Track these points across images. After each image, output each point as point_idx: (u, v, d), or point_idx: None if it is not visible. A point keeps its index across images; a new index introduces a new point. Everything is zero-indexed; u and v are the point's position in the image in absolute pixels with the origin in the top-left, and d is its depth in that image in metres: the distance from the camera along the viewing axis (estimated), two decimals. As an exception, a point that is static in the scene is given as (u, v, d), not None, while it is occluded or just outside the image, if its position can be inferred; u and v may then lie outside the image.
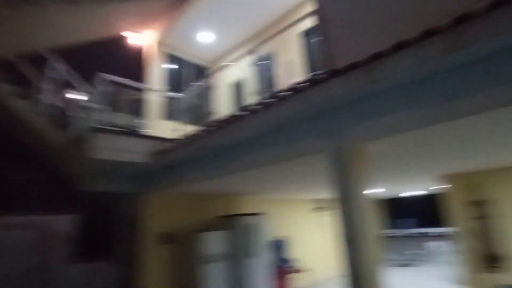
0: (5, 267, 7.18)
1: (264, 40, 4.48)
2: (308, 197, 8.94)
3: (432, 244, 8.34)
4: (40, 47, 5.44)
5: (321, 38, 3.29)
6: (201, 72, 8.69)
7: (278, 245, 7.96)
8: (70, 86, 6.37)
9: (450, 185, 5.73)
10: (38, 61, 5.61)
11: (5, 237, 7.46)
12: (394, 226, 12.79)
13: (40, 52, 5.51)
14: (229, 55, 8.27)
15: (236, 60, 4.93)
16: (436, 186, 6.24)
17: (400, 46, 2.25)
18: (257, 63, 7.16)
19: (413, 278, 8.78)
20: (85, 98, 5.49)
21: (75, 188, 5.74)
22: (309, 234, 9.17)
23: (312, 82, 2.75)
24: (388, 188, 8.25)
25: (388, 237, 12.46)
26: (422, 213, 12.17)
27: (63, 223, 8.39)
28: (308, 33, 5.92)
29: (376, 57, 2.36)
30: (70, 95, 6.91)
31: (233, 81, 7.81)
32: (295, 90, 2.88)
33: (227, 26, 7.31)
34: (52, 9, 4.65)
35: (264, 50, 6.15)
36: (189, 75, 8.38)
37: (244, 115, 3.42)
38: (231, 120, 3.58)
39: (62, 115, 5.79)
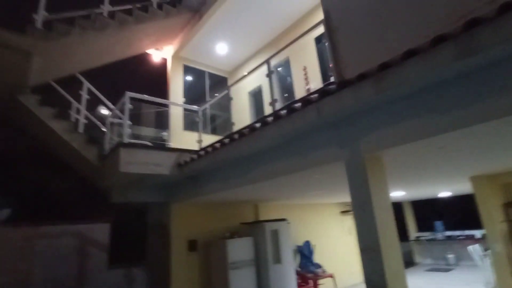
0: (50, 273, 7.75)
1: (278, 51, 4.55)
2: (333, 201, 8.85)
3: (469, 247, 7.97)
4: (73, 71, 5.90)
5: (330, 47, 3.32)
6: (220, 82, 8.93)
7: (304, 250, 7.95)
8: (101, 104, 6.82)
9: (482, 187, 5.50)
10: (72, 83, 6.08)
11: (49, 245, 8.06)
12: (429, 228, 12.32)
13: (74, 75, 5.99)
14: (246, 64, 8.45)
15: (253, 70, 5.04)
16: (468, 187, 6.01)
17: (408, 55, 2.25)
18: (275, 70, 7.29)
19: (449, 283, 8.43)
20: (114, 115, 5.83)
21: (108, 199, 6.10)
22: (334, 238, 9.07)
23: (323, 94, 2.80)
24: (419, 191, 8.02)
25: (422, 240, 12.04)
26: (458, 215, 11.64)
27: (98, 231, 8.91)
28: (320, 39, 5.96)
29: (384, 66, 2.37)
30: (101, 113, 7.37)
31: (252, 90, 7.96)
32: (307, 101, 2.94)
33: (242, 37, 7.50)
34: (81, 38, 5.03)
35: (280, 57, 6.23)
36: (209, 85, 8.65)
37: (260, 127, 3.51)
38: (247, 133, 3.69)
39: (95, 133, 6.21)
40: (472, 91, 2.16)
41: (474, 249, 7.69)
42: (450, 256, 10.82)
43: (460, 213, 11.54)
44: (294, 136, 3.39)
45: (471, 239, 10.30)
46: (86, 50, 5.57)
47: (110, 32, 5.53)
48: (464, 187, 6.98)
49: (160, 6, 6.66)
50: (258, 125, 3.57)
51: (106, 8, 5.55)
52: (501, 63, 2.04)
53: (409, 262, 12.02)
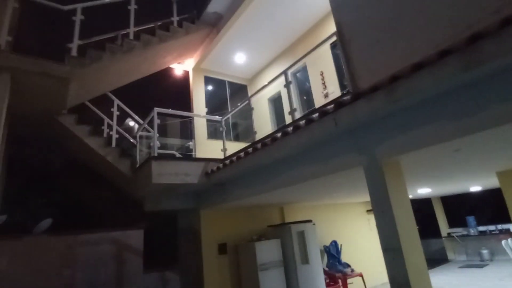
0: (91, 277, 8.31)
1: (295, 62, 4.75)
2: (358, 200, 8.89)
3: (503, 242, 7.78)
4: (104, 91, 6.38)
5: (344, 59, 3.48)
6: (240, 89, 9.22)
7: (332, 250, 8.05)
8: (131, 120, 7.29)
9: (509, 181, 5.44)
10: (103, 101, 6.58)
11: (89, 251, 8.63)
12: (461, 224, 12.03)
13: (105, 94, 6.48)
14: (265, 71, 8.69)
15: (271, 81, 5.26)
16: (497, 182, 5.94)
17: (417, 67, 2.39)
18: (293, 75, 7.47)
19: (482, 279, 8.26)
20: (143, 129, 6.23)
21: (142, 207, 6.51)
22: (361, 237, 9.09)
23: (338, 105, 2.98)
24: (447, 187, 7.93)
25: (455, 236, 11.77)
26: (491, 209, 11.30)
27: (133, 237, 9.42)
28: (336, 45, 6.08)
29: (395, 78, 2.53)
30: (129, 125, 7.84)
31: (271, 96, 8.17)
32: (324, 113, 3.12)
33: (259, 45, 7.76)
34: (111, 61, 5.45)
35: (297, 63, 6.41)
36: (229, 93, 8.96)
37: (280, 137, 3.72)
38: (269, 142, 3.91)
39: (125, 143, 6.67)
40: (481, 98, 2.28)
41: (508, 243, 7.51)
42: (484, 252, 10.54)
43: (493, 207, 11.21)
44: (314, 144, 3.57)
45: (506, 233, 10.01)
46: (116, 71, 6.01)
47: (136, 53, 5.94)
48: (494, 181, 6.86)
49: (180, 24, 7.04)
50: (279, 135, 3.78)
51: (131, 30, 5.96)
52: (506, 72, 2.15)
53: (441, 259, 11.79)
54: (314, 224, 7.27)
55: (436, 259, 11.79)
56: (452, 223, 12.66)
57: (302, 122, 3.42)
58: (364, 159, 3.10)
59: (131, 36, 5.94)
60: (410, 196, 9.79)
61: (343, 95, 3.40)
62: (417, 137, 2.68)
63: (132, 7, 6.03)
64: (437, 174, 4.82)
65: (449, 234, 12.30)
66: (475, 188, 9.62)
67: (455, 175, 5.20)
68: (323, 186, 4.80)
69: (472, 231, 11.35)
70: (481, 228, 11.29)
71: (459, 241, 11.69)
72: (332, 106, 3.08)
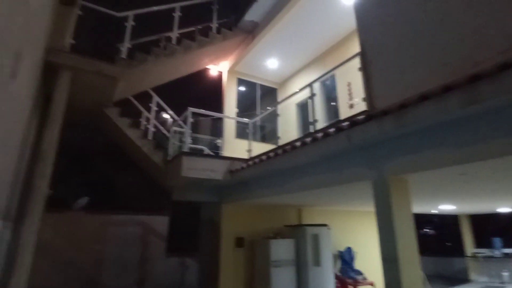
0: (118, 255, 9.11)
1: (323, 75, 5.05)
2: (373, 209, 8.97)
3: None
4: (146, 88, 7.02)
5: (364, 78, 3.76)
6: (270, 92, 9.60)
7: (345, 256, 8.24)
8: (167, 116, 7.92)
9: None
10: (144, 97, 7.23)
11: (118, 231, 9.45)
12: (487, 245, 11.68)
13: (146, 91, 7.12)
14: (295, 76, 9.01)
15: (298, 91, 5.61)
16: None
17: (422, 98, 2.67)
18: (322, 83, 7.73)
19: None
20: (177, 125, 6.80)
21: (170, 196, 7.10)
22: (375, 247, 9.13)
23: (352, 124, 3.29)
24: (472, 205, 7.86)
25: (479, 257, 11.46)
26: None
27: (158, 222, 10.18)
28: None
29: (403, 106, 2.81)
30: (164, 118, 8.48)
31: (299, 102, 8.47)
32: (339, 129, 3.44)
33: (291, 53, 8.10)
34: (155, 63, 6.04)
35: (326, 71, 6.68)
36: (260, 95, 9.37)
37: (300, 146, 4.08)
38: (289, 149, 4.28)
39: (162, 140, 7.28)
40: (480, 131, 2.51)
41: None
42: (505, 274, 10.24)
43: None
44: (329, 155, 3.89)
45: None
46: (158, 71, 6.61)
47: (177, 56, 6.51)
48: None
49: (218, 30, 7.55)
50: (298, 144, 4.14)
51: (174, 35, 6.52)
52: (504, 109, 2.37)
53: (463, 279, 11.52)
54: (329, 228, 7.52)
55: (458, 279, 11.56)
56: (478, 243, 12.29)
57: (320, 134, 3.75)
58: (373, 174, 3.39)
59: (174, 41, 6.50)
60: (434, 211, 9.72)
61: (357, 114, 3.69)
62: (422, 159, 2.93)
63: (177, 14, 6.58)
64: (449, 193, 4.95)
65: (473, 254, 11.98)
66: (504, 209, 9.36)
67: (470, 195, 5.29)
68: (338, 194, 5.09)
69: (497, 253, 11.02)
70: (506, 251, 10.93)
71: (482, 262, 11.39)
72: (347, 123, 3.40)
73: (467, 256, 12.02)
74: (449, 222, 12.80)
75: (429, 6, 3.18)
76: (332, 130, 3.57)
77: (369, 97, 3.66)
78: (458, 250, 12.43)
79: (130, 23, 5.78)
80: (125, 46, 5.67)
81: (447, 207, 8.26)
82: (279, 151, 4.49)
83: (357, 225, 9.03)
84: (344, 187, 4.15)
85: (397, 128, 2.90)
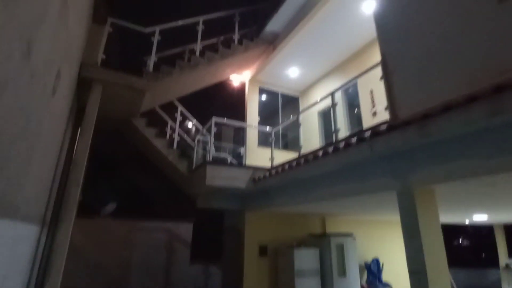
0: (144, 261, 9.35)
1: (344, 84, 5.06)
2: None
3: None
4: (171, 99, 7.28)
5: (386, 88, 3.74)
6: (291, 100, 9.65)
7: (372, 267, 8.06)
8: (191, 125, 8.15)
9: None
10: (169, 107, 7.49)
11: (144, 238, 9.70)
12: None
13: (171, 102, 7.39)
14: (316, 84, 9.02)
15: (318, 101, 5.64)
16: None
17: (446, 108, 2.64)
18: (344, 91, 7.70)
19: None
20: (201, 134, 6.99)
21: (194, 204, 7.26)
22: (403, 259, 8.87)
23: (374, 134, 3.28)
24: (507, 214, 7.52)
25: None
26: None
27: (183, 230, 10.37)
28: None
29: (426, 116, 2.78)
30: (188, 127, 8.71)
31: (321, 110, 8.46)
32: (361, 139, 3.44)
33: (312, 62, 8.13)
34: (180, 75, 6.28)
35: (347, 79, 6.67)
36: (281, 104, 9.44)
37: (322, 155, 4.10)
38: (311, 159, 4.30)
39: (186, 149, 7.50)
40: (504, 143, 2.45)
41: None
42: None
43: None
44: (352, 165, 3.89)
45: None
46: (182, 82, 6.86)
47: (201, 68, 6.74)
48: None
49: (240, 41, 7.73)
50: (320, 153, 4.16)
51: (198, 48, 6.76)
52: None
53: (495, 292, 10.97)
54: (354, 238, 7.40)
55: (491, 291, 10.99)
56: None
57: (342, 144, 3.76)
58: (397, 184, 3.35)
59: (197, 53, 6.73)
60: (466, 222, 9.34)
61: (379, 124, 3.67)
62: (447, 170, 2.88)
63: (200, 27, 6.82)
64: (479, 203, 4.78)
65: (507, 265, 11.37)
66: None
67: (502, 204, 5.08)
68: (363, 203, 5.04)
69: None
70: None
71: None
72: (369, 133, 3.39)
73: (501, 267, 11.43)
74: (483, 233, 12.22)
75: (451, 16, 3.15)
76: (354, 140, 3.57)
77: (391, 107, 3.64)
78: (492, 261, 11.85)
79: (156, 38, 6.06)
80: (152, 59, 5.93)
81: (479, 217, 7.94)
82: (301, 161, 4.53)
83: (384, 235, 8.82)
84: (368, 197, 4.12)
85: (420, 138, 2.88)
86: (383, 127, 3.27)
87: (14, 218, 2.21)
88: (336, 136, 4.72)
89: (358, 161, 3.75)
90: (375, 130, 3.29)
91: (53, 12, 2.03)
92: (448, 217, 7.49)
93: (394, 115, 3.61)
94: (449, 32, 3.15)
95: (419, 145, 3.09)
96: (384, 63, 3.84)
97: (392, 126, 3.11)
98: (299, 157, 5.05)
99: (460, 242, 17.03)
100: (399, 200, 3.35)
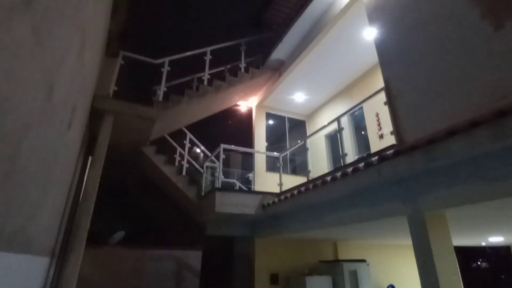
0: (155, 292, 9.14)
1: (349, 109, 5.14)
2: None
3: None
4: (180, 126, 7.44)
5: (390, 112, 3.81)
6: (298, 124, 9.76)
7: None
8: (200, 152, 8.25)
9: None
10: (178, 134, 7.64)
11: (153, 266, 9.57)
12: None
13: (180, 129, 7.55)
14: (322, 108, 9.15)
15: (326, 124, 5.71)
16: None
17: (450, 133, 2.67)
18: (350, 115, 7.78)
19: None
20: (210, 161, 7.06)
21: (202, 230, 7.22)
22: (418, 282, 8.57)
23: (381, 158, 3.31)
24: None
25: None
26: None
27: (193, 257, 10.20)
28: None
29: (431, 141, 2.82)
30: (196, 152, 8.81)
31: (328, 133, 8.52)
32: (368, 164, 3.47)
33: (317, 86, 8.31)
34: (188, 104, 6.47)
35: (353, 103, 6.75)
36: (288, 127, 9.55)
37: (330, 181, 4.11)
38: (320, 184, 4.31)
39: (195, 174, 7.56)
40: (510, 166, 2.45)
41: None
42: None
43: None
44: (361, 190, 3.89)
45: None
46: (191, 110, 7.03)
47: (209, 96, 6.93)
48: None
49: (246, 69, 7.97)
50: (328, 178, 4.17)
51: (206, 77, 6.98)
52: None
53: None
54: (368, 264, 7.21)
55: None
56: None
57: (350, 169, 3.78)
58: (407, 209, 3.33)
59: (205, 82, 6.94)
60: (483, 244, 9.07)
61: (386, 148, 3.71)
62: (455, 194, 2.87)
63: (208, 57, 7.08)
64: (494, 225, 4.67)
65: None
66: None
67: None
68: (374, 228, 4.96)
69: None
70: None
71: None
72: (376, 158, 3.42)
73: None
74: (502, 253, 11.79)
75: (451, 42, 3.25)
76: (361, 165, 3.59)
77: (397, 131, 3.69)
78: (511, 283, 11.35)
79: (166, 68, 6.30)
80: (162, 89, 6.14)
81: (495, 239, 7.71)
82: (310, 186, 4.53)
83: (398, 260, 8.57)
84: (379, 222, 4.07)
85: (426, 163, 2.90)
86: (390, 151, 3.30)
87: (29, 252, 2.26)
88: (344, 161, 4.74)
89: (366, 186, 3.76)
90: (382, 155, 3.31)
91: (73, 54, 2.18)
92: (462, 240, 7.29)
93: (400, 139, 3.65)
94: (451, 57, 3.24)
95: (426, 170, 3.10)
96: (388, 88, 3.93)
97: (399, 151, 3.13)
98: (308, 182, 5.06)
99: (478, 264, 16.41)
100: (410, 225, 3.32)
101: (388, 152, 3.29)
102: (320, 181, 4.38)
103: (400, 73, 3.83)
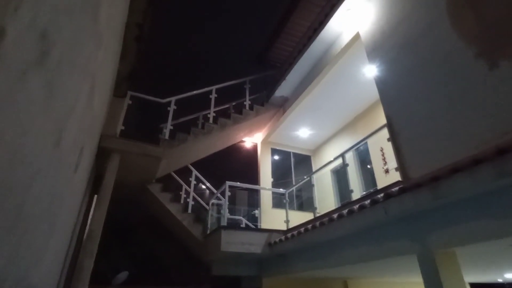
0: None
1: (353, 145, 5.18)
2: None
3: None
4: (186, 164, 7.51)
5: (394, 149, 3.82)
6: (304, 159, 9.76)
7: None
8: (205, 189, 8.24)
9: None
10: (183, 171, 7.68)
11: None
12: None
13: (185, 166, 7.60)
14: (327, 143, 9.20)
15: (331, 160, 5.73)
16: None
17: (454, 170, 2.66)
18: (355, 150, 7.78)
19: None
20: (215, 198, 7.03)
21: (208, 268, 7.01)
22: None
23: (387, 196, 3.28)
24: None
25: None
26: None
27: (198, 298, 9.79)
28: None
29: (435, 179, 2.80)
30: (205, 195, 8.78)
31: (334, 168, 8.49)
32: (374, 201, 3.43)
33: (321, 122, 8.42)
34: (194, 142, 6.58)
35: (358, 137, 6.77)
36: (294, 163, 9.55)
37: (337, 218, 4.05)
38: (327, 222, 4.24)
39: (200, 211, 7.49)
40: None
41: None
42: None
43: None
44: (368, 227, 3.81)
45: None
46: (196, 148, 7.13)
47: (214, 133, 7.06)
48: None
49: (251, 107, 8.16)
50: (335, 216, 4.11)
51: (211, 115, 7.16)
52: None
53: None
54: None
55: None
56: None
57: (356, 207, 3.73)
58: (416, 248, 3.24)
59: (211, 120, 7.10)
60: (499, 280, 8.63)
61: (391, 184, 3.68)
62: (464, 232, 2.80)
63: (213, 96, 7.30)
64: (508, 262, 4.48)
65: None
66: None
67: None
68: (384, 266, 4.79)
69: None
70: None
71: None
72: (382, 195, 3.39)
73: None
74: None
75: (451, 80, 3.33)
76: (367, 202, 3.55)
77: (402, 167, 3.68)
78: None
79: (172, 107, 6.48)
80: (168, 128, 6.27)
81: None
82: (317, 224, 4.46)
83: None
84: (389, 260, 3.94)
85: (432, 200, 2.86)
86: (395, 188, 3.27)
87: (30, 297, 2.22)
88: (350, 198, 4.68)
89: (373, 224, 3.69)
90: (387, 192, 3.29)
91: (83, 100, 2.28)
92: (476, 277, 6.96)
93: (405, 175, 3.63)
94: (449, 95, 3.30)
95: (433, 207, 3.05)
96: (390, 125, 3.98)
97: (404, 188, 3.11)
98: (314, 219, 4.98)
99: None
100: (420, 264, 3.21)
101: (393, 189, 3.27)
102: (326, 218, 4.31)
103: (401, 110, 3.89)
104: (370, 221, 3.62)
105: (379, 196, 3.43)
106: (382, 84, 4.35)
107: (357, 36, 5.34)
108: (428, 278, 3.11)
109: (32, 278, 2.03)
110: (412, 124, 3.68)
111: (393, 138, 3.90)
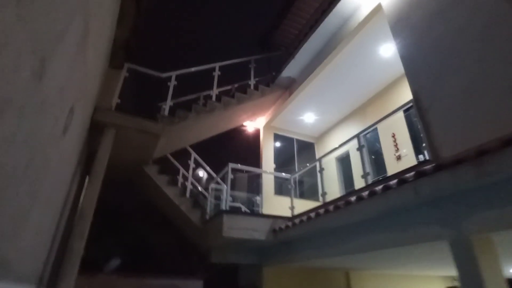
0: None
1: (368, 127, 4.80)
2: (438, 273, 7.88)
3: None
4: (185, 145, 7.08)
5: (422, 127, 3.45)
6: (307, 146, 9.39)
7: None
8: (200, 170, 7.82)
9: None
10: (181, 154, 7.25)
11: (150, 298, 8.84)
12: None
13: (184, 148, 7.17)
14: (333, 129, 8.82)
15: (343, 142, 5.36)
16: None
17: (506, 142, 2.30)
18: (362, 137, 7.43)
19: None
20: (215, 183, 6.63)
21: (203, 257, 6.65)
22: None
23: (419, 174, 2.91)
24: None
25: None
26: None
27: (193, 287, 9.49)
28: (409, 108, 6.02)
29: (483, 153, 2.43)
30: (199, 175, 8.37)
31: (339, 156, 8.14)
32: (402, 180, 3.06)
33: (328, 106, 8.03)
34: (196, 120, 6.15)
35: (367, 124, 6.42)
36: (297, 150, 9.17)
37: (355, 201, 3.68)
38: (342, 206, 3.87)
39: (201, 198, 7.09)
40: None
41: None
42: None
43: None
44: (390, 211, 3.44)
45: None
46: (197, 128, 6.70)
47: (217, 113, 6.63)
48: None
49: (256, 87, 7.72)
50: (352, 199, 3.74)
51: (214, 93, 6.71)
52: None
53: None
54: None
55: None
56: None
57: (379, 188, 3.36)
58: (448, 233, 2.89)
59: (213, 98, 6.65)
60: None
61: (421, 163, 3.31)
62: (506, 215, 2.45)
63: (216, 73, 6.84)
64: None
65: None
66: None
67: None
68: (400, 256, 4.46)
69: None
70: None
71: None
72: (412, 174, 3.02)
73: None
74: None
75: (488, 50, 2.95)
76: (393, 182, 3.18)
77: (431, 146, 3.31)
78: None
79: (172, 83, 6.02)
80: (168, 103, 5.84)
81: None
82: (330, 208, 4.09)
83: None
84: (412, 248, 3.60)
85: (478, 178, 2.49)
86: (428, 166, 2.91)
87: (6, 277, 1.82)
88: (366, 181, 4.32)
89: (398, 207, 3.32)
90: (419, 170, 2.91)
91: (73, 36, 1.85)
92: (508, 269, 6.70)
93: (435, 154, 3.27)
94: (491, 66, 2.92)
95: (472, 187, 2.69)
96: (417, 100, 3.60)
97: (440, 165, 2.74)
98: (325, 204, 4.61)
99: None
100: (453, 251, 2.86)
101: (426, 167, 2.89)
102: (342, 201, 3.94)
103: (432, 85, 3.51)
104: (393, 204, 3.26)
105: (407, 175, 3.06)
106: (408, 58, 3.96)
107: (377, 8, 4.93)
108: (464, 268, 2.77)
109: (6, 252, 1.63)
110: (445, 99, 3.30)
111: (420, 115, 3.52)
